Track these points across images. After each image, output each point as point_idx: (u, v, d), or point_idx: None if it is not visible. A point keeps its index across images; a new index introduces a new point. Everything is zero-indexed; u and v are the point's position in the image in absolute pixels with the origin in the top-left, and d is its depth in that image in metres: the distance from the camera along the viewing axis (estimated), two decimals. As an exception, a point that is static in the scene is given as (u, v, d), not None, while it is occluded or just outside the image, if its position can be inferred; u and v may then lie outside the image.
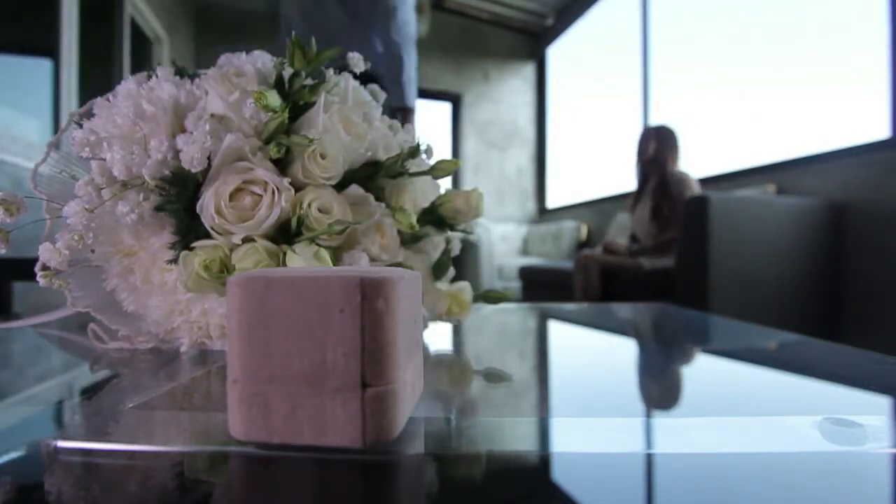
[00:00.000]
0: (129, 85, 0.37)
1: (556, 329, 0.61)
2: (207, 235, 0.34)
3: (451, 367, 0.38)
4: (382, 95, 0.46)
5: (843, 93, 2.13)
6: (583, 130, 4.06)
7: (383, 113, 0.45)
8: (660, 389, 0.32)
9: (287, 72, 0.38)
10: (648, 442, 0.22)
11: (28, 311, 0.54)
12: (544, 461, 0.20)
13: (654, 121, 2.63)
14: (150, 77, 0.38)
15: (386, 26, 1.33)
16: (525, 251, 3.87)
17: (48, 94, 2.10)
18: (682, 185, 1.88)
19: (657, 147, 1.99)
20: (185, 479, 0.18)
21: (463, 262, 3.02)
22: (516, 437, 0.22)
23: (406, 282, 0.20)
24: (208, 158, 0.34)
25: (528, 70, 4.28)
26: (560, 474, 0.19)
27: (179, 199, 0.34)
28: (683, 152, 2.00)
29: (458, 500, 0.17)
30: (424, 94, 4.09)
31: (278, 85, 0.38)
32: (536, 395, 0.31)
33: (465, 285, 0.42)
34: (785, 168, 2.02)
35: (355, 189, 0.38)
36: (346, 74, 0.42)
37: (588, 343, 0.53)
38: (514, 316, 0.67)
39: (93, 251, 0.37)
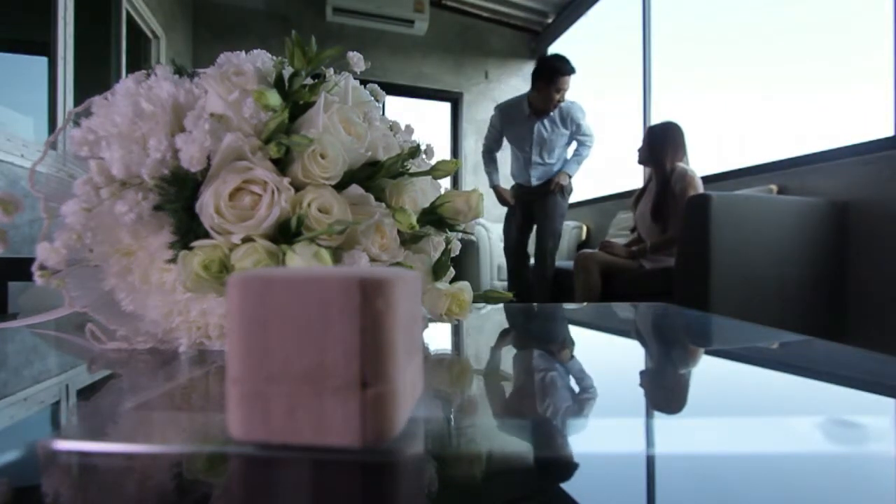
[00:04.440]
0: (127, 83, 0.37)
1: (556, 329, 0.61)
2: (207, 235, 0.34)
3: (451, 367, 0.38)
4: (382, 95, 0.46)
5: (847, 91, 2.13)
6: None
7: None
8: (660, 390, 0.32)
9: (287, 71, 0.38)
10: (649, 442, 0.22)
11: (25, 310, 0.54)
12: (545, 461, 0.20)
13: (655, 119, 2.63)
14: (148, 76, 0.38)
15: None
16: (524, 251, 3.86)
17: (44, 91, 2.10)
18: (683, 183, 1.86)
19: (650, 145, 1.98)
20: (183, 479, 0.18)
21: (463, 262, 3.02)
22: (516, 437, 0.22)
23: (406, 282, 0.20)
24: (207, 158, 0.34)
25: (529, 69, 4.27)
26: (560, 474, 0.18)
27: (178, 199, 0.34)
28: (690, 148, 1.98)
29: (458, 500, 0.17)
30: (424, 93, 4.09)
31: (278, 84, 0.37)
32: (536, 395, 0.31)
33: (465, 285, 0.42)
34: (787, 167, 2.02)
35: (355, 189, 0.38)
36: (346, 74, 0.42)
37: (588, 343, 0.53)
38: (513, 316, 0.67)
39: (91, 251, 0.37)
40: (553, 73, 2.22)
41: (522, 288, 2.51)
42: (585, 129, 2.43)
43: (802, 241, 1.69)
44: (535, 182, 2.48)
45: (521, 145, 2.44)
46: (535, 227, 2.50)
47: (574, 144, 2.48)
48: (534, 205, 2.48)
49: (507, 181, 2.62)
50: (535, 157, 2.42)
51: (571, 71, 2.23)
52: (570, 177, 2.44)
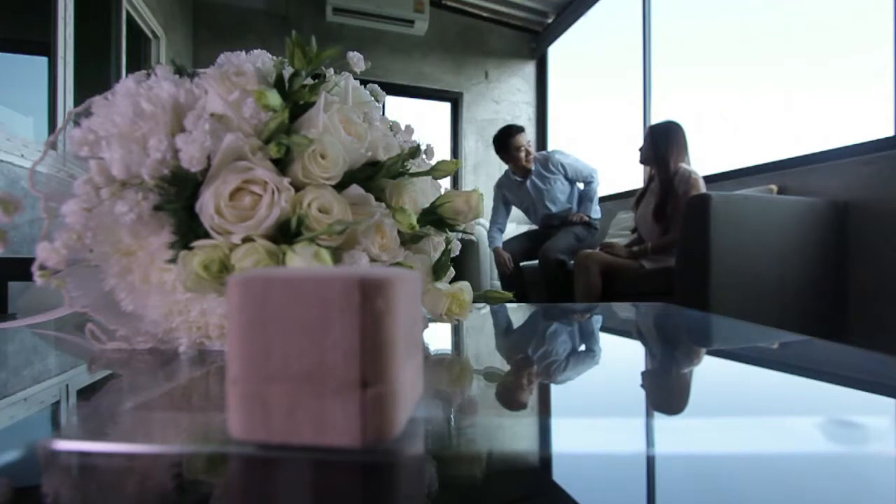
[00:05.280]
0: (127, 83, 0.37)
1: (555, 329, 0.61)
2: (207, 235, 0.34)
3: (451, 367, 0.38)
4: (382, 95, 0.46)
5: (847, 91, 2.13)
6: (583, 129, 4.06)
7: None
8: (661, 389, 0.32)
9: (287, 71, 0.38)
10: (649, 442, 0.22)
11: (24, 311, 0.54)
12: (544, 461, 0.20)
13: (655, 120, 2.64)
14: (148, 76, 0.38)
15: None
16: (525, 251, 3.87)
17: (44, 91, 2.10)
18: (687, 185, 1.85)
19: (653, 145, 1.98)
20: (183, 480, 0.18)
21: (463, 262, 3.03)
22: (516, 437, 0.22)
23: (406, 282, 0.20)
24: (208, 158, 0.34)
25: (529, 69, 4.28)
26: (560, 474, 0.18)
27: (178, 199, 0.34)
28: (690, 148, 1.97)
29: (458, 500, 0.17)
30: (424, 93, 4.09)
31: (278, 84, 0.37)
32: (536, 395, 0.31)
33: (465, 285, 0.42)
34: (787, 167, 2.02)
35: (355, 189, 0.38)
36: (346, 74, 0.42)
37: (588, 343, 0.53)
38: (514, 316, 0.67)
39: (91, 251, 0.37)
40: (505, 138, 2.56)
41: (516, 289, 2.62)
42: (576, 167, 2.59)
43: (802, 241, 1.69)
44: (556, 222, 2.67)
45: (526, 205, 2.69)
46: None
47: (581, 187, 2.66)
48: (552, 230, 2.61)
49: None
50: (542, 209, 2.64)
51: (519, 130, 2.59)
52: (588, 216, 2.58)
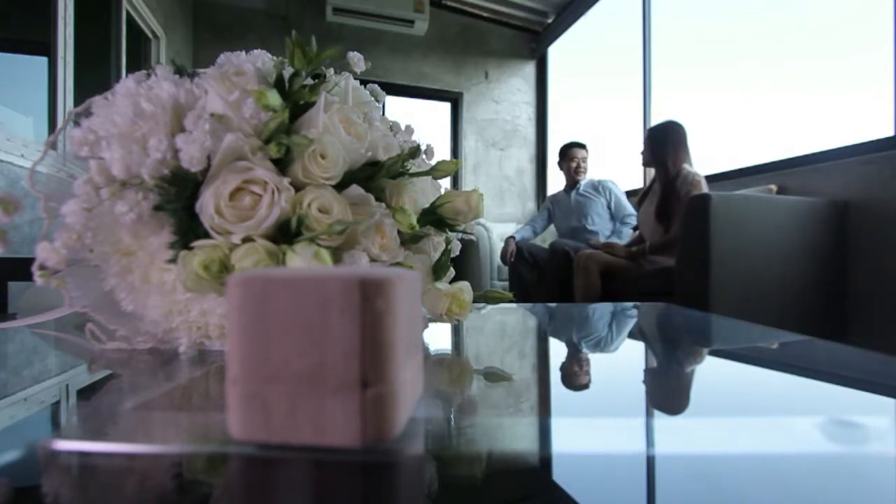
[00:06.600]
0: (128, 83, 0.37)
1: (555, 329, 0.61)
2: (207, 235, 0.34)
3: (451, 367, 0.38)
4: (383, 95, 0.46)
5: (847, 91, 2.13)
6: (583, 130, 4.06)
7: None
8: (661, 390, 0.32)
9: (287, 71, 0.38)
10: (649, 442, 0.22)
11: (24, 311, 0.54)
12: (544, 461, 0.20)
13: (655, 120, 2.64)
14: (148, 76, 0.38)
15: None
16: (525, 251, 3.86)
17: (44, 91, 2.10)
18: (689, 186, 1.85)
19: (651, 147, 1.98)
20: (183, 480, 0.18)
21: (463, 262, 3.03)
22: (516, 437, 0.22)
23: (406, 282, 0.20)
24: (208, 158, 0.34)
25: (529, 69, 4.28)
26: (560, 474, 0.18)
27: (178, 199, 0.34)
28: (691, 148, 1.97)
29: (458, 500, 0.17)
30: (424, 93, 4.09)
31: (278, 84, 0.37)
32: (536, 395, 0.31)
33: (465, 285, 0.42)
34: (787, 167, 2.02)
35: (355, 189, 0.38)
36: (346, 74, 0.42)
37: (588, 343, 0.53)
38: (513, 316, 0.67)
39: (91, 251, 0.37)
40: (566, 149, 2.84)
41: (521, 289, 2.65)
42: (621, 200, 2.71)
43: (802, 241, 1.69)
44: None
45: (565, 217, 2.86)
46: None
47: (616, 226, 2.79)
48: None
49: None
50: (575, 222, 2.78)
51: (581, 146, 2.83)
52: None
